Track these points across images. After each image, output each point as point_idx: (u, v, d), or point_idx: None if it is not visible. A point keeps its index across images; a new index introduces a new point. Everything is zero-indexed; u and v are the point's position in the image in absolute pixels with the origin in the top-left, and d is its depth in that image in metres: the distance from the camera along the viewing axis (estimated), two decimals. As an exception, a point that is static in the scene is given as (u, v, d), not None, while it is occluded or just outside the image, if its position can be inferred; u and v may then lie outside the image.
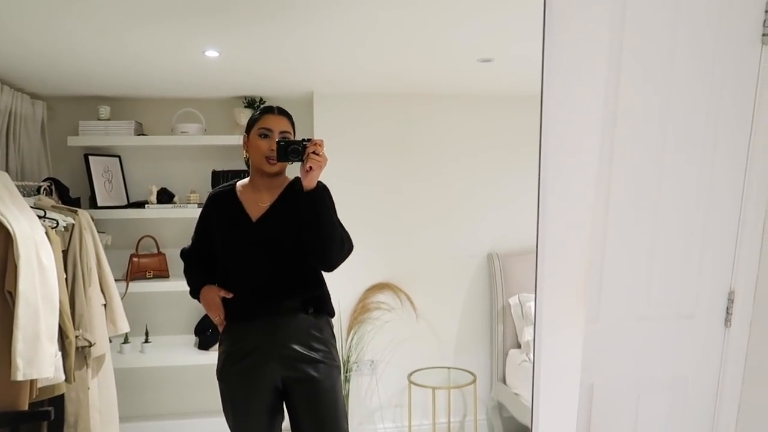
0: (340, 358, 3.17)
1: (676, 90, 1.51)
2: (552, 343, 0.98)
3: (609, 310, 1.61)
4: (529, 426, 2.93)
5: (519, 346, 3.19)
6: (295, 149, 1.80)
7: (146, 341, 3.18)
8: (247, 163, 1.99)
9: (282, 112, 1.93)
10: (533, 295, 3.23)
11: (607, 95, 1.32)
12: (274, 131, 1.87)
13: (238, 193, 1.96)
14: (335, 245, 1.82)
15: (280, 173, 1.95)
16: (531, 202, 3.58)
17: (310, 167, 1.77)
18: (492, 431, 3.34)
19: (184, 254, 2.10)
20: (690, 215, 1.61)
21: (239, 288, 1.93)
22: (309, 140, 1.80)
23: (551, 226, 0.93)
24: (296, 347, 1.88)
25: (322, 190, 1.82)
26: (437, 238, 3.32)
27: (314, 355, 1.89)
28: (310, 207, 1.80)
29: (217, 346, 2.01)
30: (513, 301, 3.19)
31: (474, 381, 3.10)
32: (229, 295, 1.92)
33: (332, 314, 2.00)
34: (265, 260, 1.89)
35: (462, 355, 3.38)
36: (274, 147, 1.84)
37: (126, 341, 3.15)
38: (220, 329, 1.99)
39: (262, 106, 1.99)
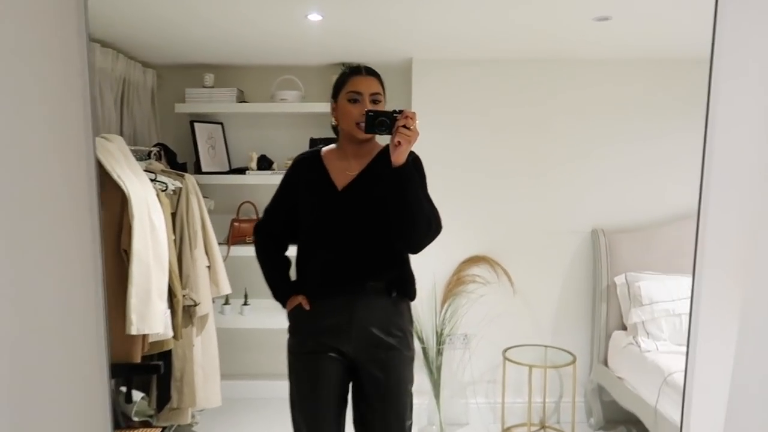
0: (433, 331, 3.14)
1: None
2: (709, 336, 0.84)
3: None
4: (633, 411, 2.76)
5: (624, 328, 3.01)
6: (383, 121, 1.65)
7: (245, 303, 3.28)
8: (334, 130, 1.87)
9: (370, 72, 1.78)
10: (642, 275, 3.01)
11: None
12: (364, 94, 1.73)
13: (324, 159, 1.84)
14: (420, 228, 1.68)
15: (371, 139, 1.81)
16: (642, 176, 3.30)
17: (399, 142, 1.61)
18: (590, 414, 3.20)
19: (258, 242, 1.97)
20: None
21: (319, 261, 1.80)
22: (400, 112, 1.63)
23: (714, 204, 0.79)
24: (375, 331, 1.76)
25: (410, 166, 1.66)
26: (538, 211, 3.17)
27: (391, 340, 1.78)
28: (396, 185, 1.65)
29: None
30: (619, 280, 2.99)
31: (573, 361, 2.96)
32: (307, 308, 1.81)
33: (414, 297, 1.87)
34: (349, 234, 1.76)
35: (560, 335, 3.23)
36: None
37: (227, 303, 3.26)
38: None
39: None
